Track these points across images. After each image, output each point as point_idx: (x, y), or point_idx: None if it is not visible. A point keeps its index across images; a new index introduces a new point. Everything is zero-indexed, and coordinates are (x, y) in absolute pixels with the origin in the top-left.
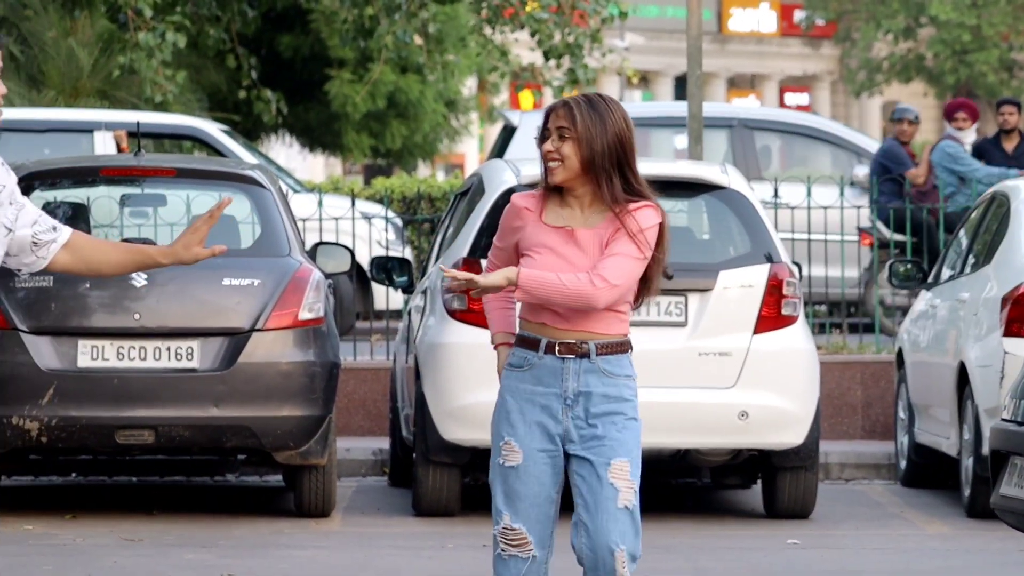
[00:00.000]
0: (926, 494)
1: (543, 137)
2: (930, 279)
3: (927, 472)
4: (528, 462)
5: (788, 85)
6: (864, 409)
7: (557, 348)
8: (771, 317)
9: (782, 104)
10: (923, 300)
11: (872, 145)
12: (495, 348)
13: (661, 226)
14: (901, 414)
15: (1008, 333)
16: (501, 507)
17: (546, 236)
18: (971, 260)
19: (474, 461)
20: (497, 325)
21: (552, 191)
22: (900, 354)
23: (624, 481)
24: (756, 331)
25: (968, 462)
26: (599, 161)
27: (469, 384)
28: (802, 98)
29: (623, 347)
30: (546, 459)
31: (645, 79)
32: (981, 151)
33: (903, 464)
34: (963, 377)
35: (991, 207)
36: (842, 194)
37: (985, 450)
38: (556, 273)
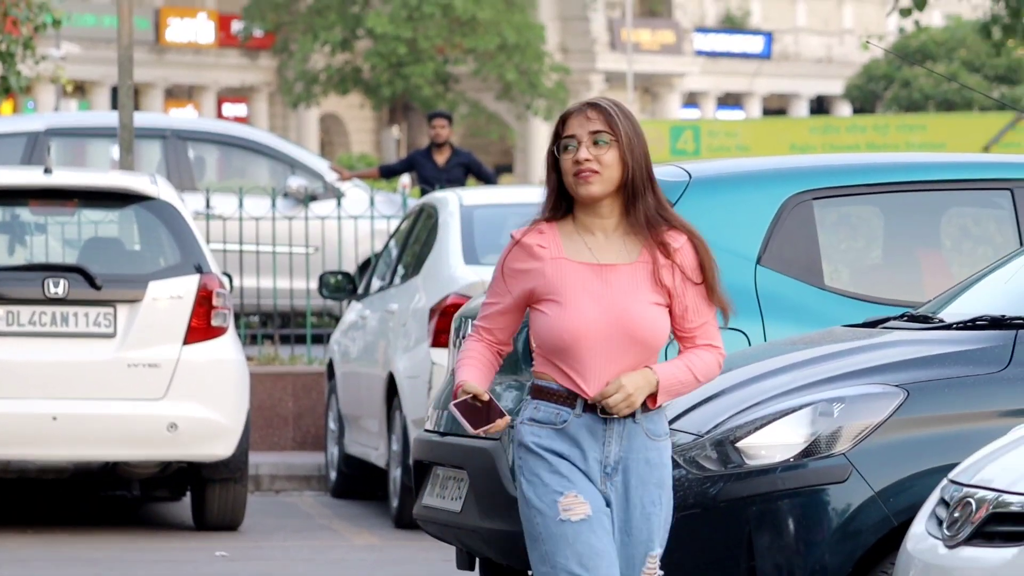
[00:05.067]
0: (356, 505)
1: (562, 147)
2: (360, 290)
3: (357, 483)
4: (598, 514)
5: (226, 96)
6: (295, 420)
7: (600, 406)
8: (201, 328)
9: (220, 115)
10: (353, 311)
11: (308, 157)
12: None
13: (700, 249)
14: (332, 425)
15: (435, 344)
16: (578, 570)
17: (573, 275)
18: (400, 271)
19: None
20: (473, 376)
21: (561, 219)
22: (331, 365)
23: (652, 574)
24: (186, 342)
25: (396, 473)
26: (640, 174)
27: None
28: (240, 109)
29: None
30: (608, 517)
31: (82, 88)
32: (413, 163)
33: (333, 475)
34: (392, 388)
35: (420, 218)
36: (274, 205)
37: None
38: (684, 364)
